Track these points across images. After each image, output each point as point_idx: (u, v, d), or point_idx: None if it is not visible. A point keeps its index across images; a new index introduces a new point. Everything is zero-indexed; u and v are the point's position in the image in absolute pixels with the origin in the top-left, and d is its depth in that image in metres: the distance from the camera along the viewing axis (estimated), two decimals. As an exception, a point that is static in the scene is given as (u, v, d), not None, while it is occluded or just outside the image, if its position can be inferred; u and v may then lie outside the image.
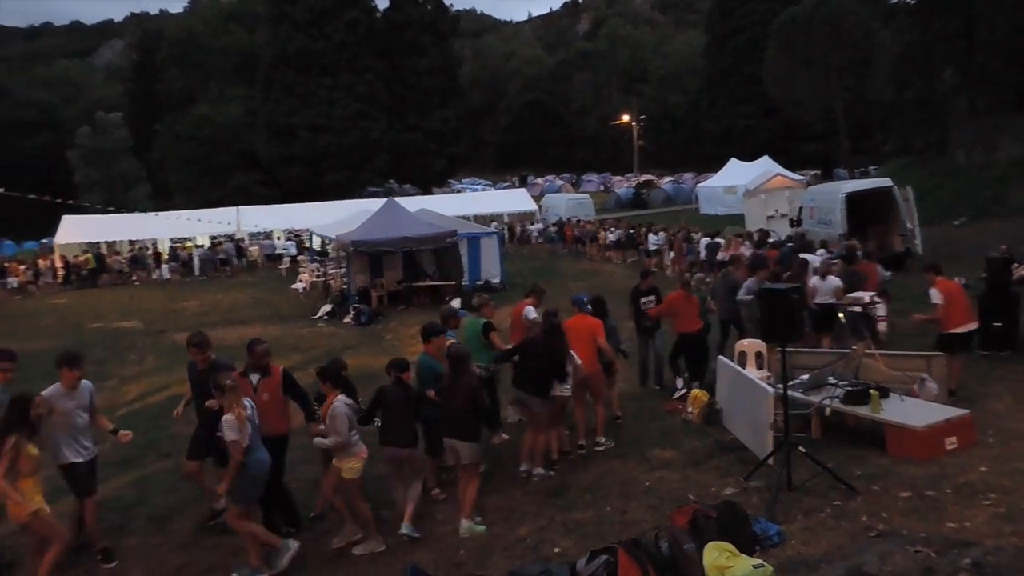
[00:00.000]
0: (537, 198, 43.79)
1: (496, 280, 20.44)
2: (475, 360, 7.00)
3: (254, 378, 6.26)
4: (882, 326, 10.06)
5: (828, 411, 6.84)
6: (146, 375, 12.93)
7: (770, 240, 15.73)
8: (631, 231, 24.75)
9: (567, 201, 40.00)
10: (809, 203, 20.21)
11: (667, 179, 57.40)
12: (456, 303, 17.78)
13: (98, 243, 30.26)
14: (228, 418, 5.42)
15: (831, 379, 7.26)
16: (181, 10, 70.35)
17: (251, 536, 5.62)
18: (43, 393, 5.74)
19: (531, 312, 8.23)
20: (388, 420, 6.10)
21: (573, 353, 7.22)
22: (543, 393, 6.92)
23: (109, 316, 19.88)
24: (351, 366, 7.17)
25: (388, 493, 6.57)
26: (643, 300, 9.59)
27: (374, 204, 24.65)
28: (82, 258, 28.71)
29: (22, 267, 29.03)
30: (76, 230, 31.14)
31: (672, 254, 21.08)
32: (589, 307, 8.14)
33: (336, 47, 52.91)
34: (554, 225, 32.51)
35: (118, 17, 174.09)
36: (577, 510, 6.27)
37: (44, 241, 38.70)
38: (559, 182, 66.04)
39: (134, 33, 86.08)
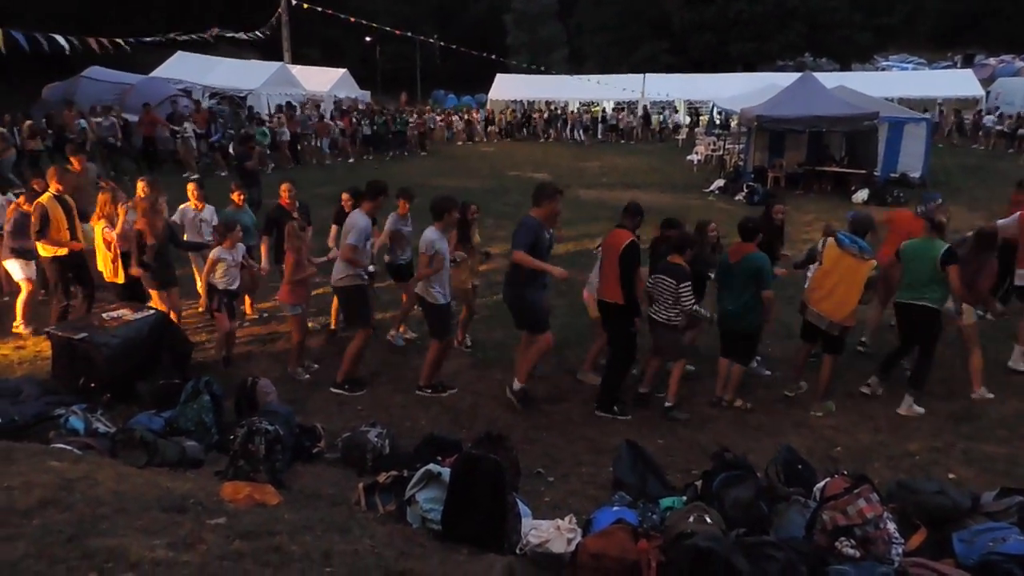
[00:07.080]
0: (986, 82, 36.27)
1: (916, 175, 17.93)
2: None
3: None
4: None
5: None
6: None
7: None
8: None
9: (1029, 87, 32.47)
10: None
11: None
12: (863, 194, 16.27)
13: (521, 100, 33.85)
14: None
15: None
16: None
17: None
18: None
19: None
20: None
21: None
22: None
23: (525, 167, 22.31)
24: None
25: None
26: None
27: (785, 78, 23.01)
28: (508, 113, 32.50)
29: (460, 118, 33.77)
30: (506, 88, 35.18)
31: None
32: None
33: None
34: (1010, 116, 26.79)
35: None
36: (985, 442, 5.59)
37: (478, 96, 44.34)
38: (1019, 63, 53.53)
39: None
